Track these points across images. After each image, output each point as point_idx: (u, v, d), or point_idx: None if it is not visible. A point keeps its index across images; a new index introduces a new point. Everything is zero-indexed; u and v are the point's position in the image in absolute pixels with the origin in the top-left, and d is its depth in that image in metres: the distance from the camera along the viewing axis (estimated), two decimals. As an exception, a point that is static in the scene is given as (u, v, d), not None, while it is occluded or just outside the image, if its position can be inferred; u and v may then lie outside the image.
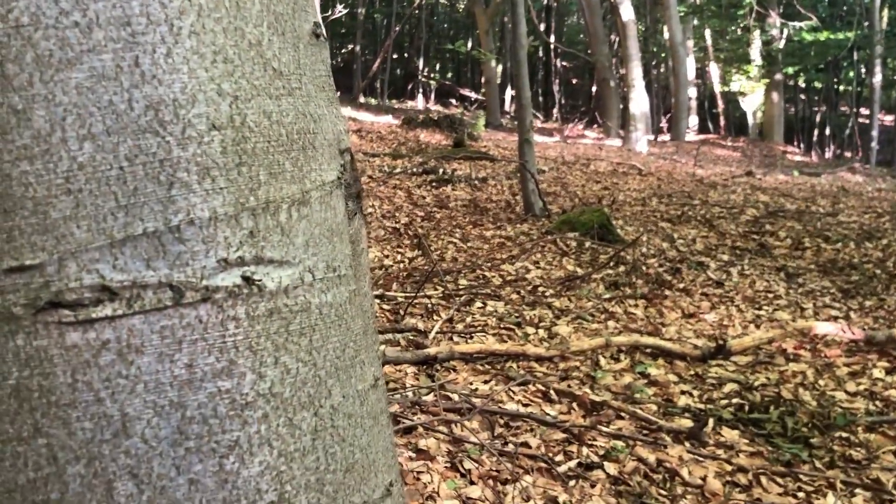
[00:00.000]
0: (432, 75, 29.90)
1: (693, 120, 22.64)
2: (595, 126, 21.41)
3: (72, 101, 0.51)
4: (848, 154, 25.81)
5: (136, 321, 0.52)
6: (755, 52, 20.06)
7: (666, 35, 19.37)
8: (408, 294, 4.03)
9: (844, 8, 25.07)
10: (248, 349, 0.55)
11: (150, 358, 0.53)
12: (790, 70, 20.27)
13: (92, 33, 0.51)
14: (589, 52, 20.07)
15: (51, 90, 0.51)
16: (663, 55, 23.07)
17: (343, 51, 29.83)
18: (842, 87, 27.83)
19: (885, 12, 20.73)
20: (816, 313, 4.38)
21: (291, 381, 0.57)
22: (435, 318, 3.81)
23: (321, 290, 0.59)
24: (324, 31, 0.73)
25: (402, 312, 3.78)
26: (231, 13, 0.55)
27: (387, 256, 4.97)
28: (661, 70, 25.47)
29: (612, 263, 4.96)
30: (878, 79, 19.39)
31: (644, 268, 4.95)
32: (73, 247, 0.51)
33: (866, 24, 19.87)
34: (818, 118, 28.20)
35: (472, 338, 3.59)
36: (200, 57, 0.54)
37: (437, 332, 3.54)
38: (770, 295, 4.66)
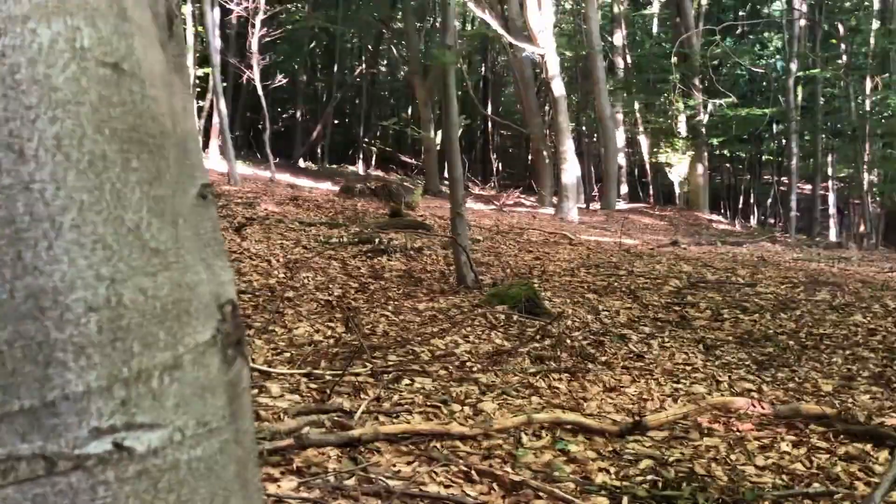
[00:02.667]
0: (373, 142, 30.25)
1: (624, 188, 23.42)
2: (530, 194, 21.92)
3: (-46, 294, 0.57)
4: (772, 221, 26.97)
5: (10, 490, 0.58)
6: (681, 124, 21.01)
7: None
8: (335, 372, 4.05)
9: (764, 84, 26.56)
10: (116, 510, 0.61)
11: (21, 524, 0.58)
12: (715, 141, 21.29)
13: (-22, 232, 0.57)
14: (523, 123, 20.68)
15: (-65, 286, 0.57)
16: (595, 126, 23.91)
17: (284, 116, 29.96)
18: (764, 157, 29.28)
19: (800, 89, 22.04)
20: (731, 386, 4.55)
21: (159, 536, 0.63)
22: (362, 396, 3.84)
23: (190, 446, 0.66)
24: (213, 191, 0.81)
25: (328, 391, 3.79)
26: (111, 204, 0.63)
27: (317, 331, 4.99)
28: (594, 139, 26.37)
29: (538, 337, 5.09)
30: (794, 150, 20.48)
31: (569, 341, 5.09)
32: (-47, 425, 0.57)
33: (783, 99, 21.08)
34: (743, 187, 29.51)
35: (398, 417, 3.62)
36: (80, 247, 0.61)
37: (363, 412, 3.56)
38: (688, 368, 4.83)
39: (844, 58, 20.68)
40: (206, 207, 0.78)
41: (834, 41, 21.00)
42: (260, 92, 14.76)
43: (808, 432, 3.80)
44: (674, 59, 18.13)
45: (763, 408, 3.95)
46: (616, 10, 23.89)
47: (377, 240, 8.67)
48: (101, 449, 0.61)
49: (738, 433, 3.75)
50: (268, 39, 16.21)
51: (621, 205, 20.43)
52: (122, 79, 0.64)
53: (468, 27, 26.18)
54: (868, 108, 20.01)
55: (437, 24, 23.58)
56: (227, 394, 0.73)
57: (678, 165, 21.08)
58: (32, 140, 0.59)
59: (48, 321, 0.59)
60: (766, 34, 28.32)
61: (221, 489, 0.69)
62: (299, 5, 24.72)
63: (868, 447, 3.57)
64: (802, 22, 20.96)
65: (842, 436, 3.76)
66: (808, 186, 24.48)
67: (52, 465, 0.59)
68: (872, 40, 19.45)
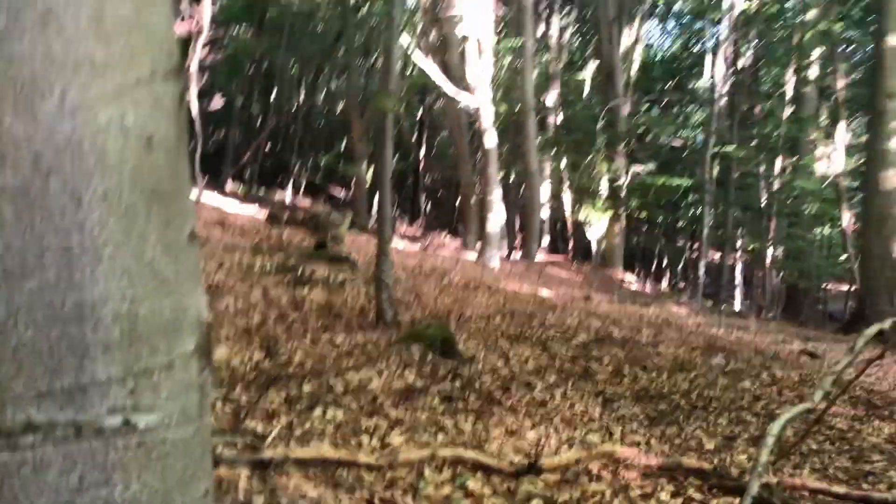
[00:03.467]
0: (304, 170, 30.22)
1: (546, 241, 24.11)
2: (456, 237, 22.34)
3: (24, 300, 0.78)
4: (682, 285, 28.15)
5: (49, 448, 0.79)
6: (603, 186, 21.92)
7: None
8: (251, 397, 4.18)
9: (684, 154, 27.94)
10: (121, 468, 0.82)
11: (54, 472, 0.79)
12: (633, 205, 22.27)
13: (43, 257, 0.79)
14: (455, 168, 21.12)
15: (11, 294, 0.78)
16: (523, 178, 24.62)
17: (216, 137, 29.66)
18: (680, 224, 30.67)
19: (716, 164, 23.35)
20: (623, 438, 4.87)
21: (148, 490, 0.85)
22: (275, 422, 3.98)
23: (175, 428, 0.88)
24: (196, 233, 1.03)
25: (243, 415, 3.92)
26: (136, 243, 0.85)
27: (235, 356, 5.09)
28: (521, 191, 27.11)
29: (449, 378, 5.32)
30: (706, 220, 21.60)
31: (478, 384, 5.34)
32: (13, 397, 0.78)
33: (700, 171, 22.27)
34: (657, 250, 30.74)
35: (308, 444, 3.78)
36: (113, 273, 0.83)
37: (275, 437, 3.71)
38: (586, 418, 5.14)
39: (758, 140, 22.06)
40: (194, 246, 1.00)
41: (750, 122, 22.41)
42: (195, 113, 14.71)
43: (687, 484, 4.12)
44: (601, 124, 19.02)
45: (648, 459, 4.28)
46: (552, 69, 24.87)
47: (301, 270, 8.78)
48: (115, 423, 0.82)
49: (623, 481, 4.05)
50: (209, 62, 16.22)
51: (541, 256, 21.05)
52: (151, 149, 0.87)
53: (410, 70, 26.72)
54: (776, 188, 21.37)
55: (379, 63, 24.00)
56: (199, 393, 0.94)
57: (597, 224, 21.93)
58: (87, 192, 0.81)
59: (87, 326, 0.81)
60: (689, 108, 29.95)
61: (192, 464, 0.91)
62: (245, 27, 24.78)
63: (737, 501, 3.91)
64: (723, 101, 22.30)
65: (716, 489, 4.10)
66: (719, 255, 25.72)
67: (79, 431, 0.80)
68: (783, 127, 20.88)
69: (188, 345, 0.91)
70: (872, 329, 3.36)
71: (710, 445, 5.04)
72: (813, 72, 21.75)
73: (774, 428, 3.11)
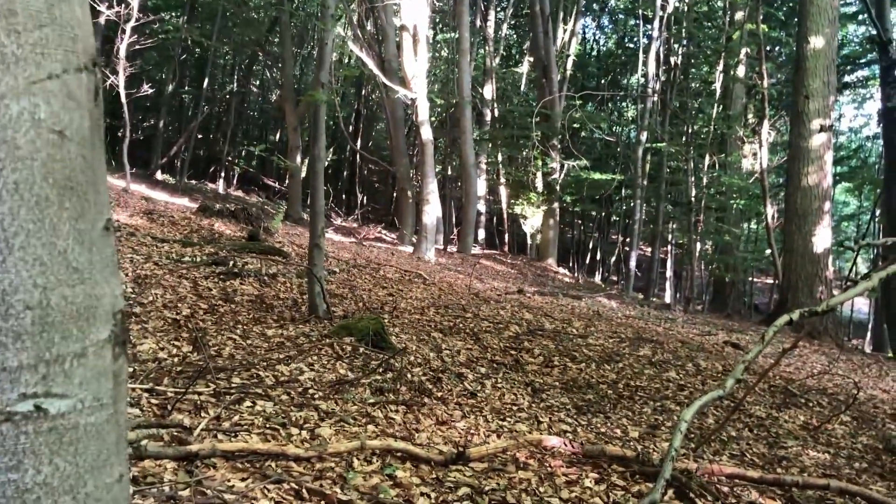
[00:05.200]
0: (237, 161, 29.74)
1: (482, 234, 24.33)
2: (392, 230, 22.33)
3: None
4: (614, 278, 28.81)
5: (-41, 433, 0.80)
6: (538, 180, 22.23)
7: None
8: (178, 389, 4.14)
9: (618, 150, 28.57)
10: (32, 453, 0.84)
11: (-36, 457, 0.80)
12: (568, 199, 22.65)
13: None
14: (391, 161, 21.12)
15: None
16: (459, 172, 24.78)
17: (145, 125, 28.94)
18: (613, 218, 31.37)
19: (648, 159, 23.94)
20: (551, 427, 5.00)
21: (59, 475, 0.86)
22: (203, 414, 3.95)
23: (87, 413, 0.90)
24: (113, 224, 1.05)
25: (169, 408, 3.88)
26: (48, 233, 0.86)
27: (162, 349, 5.02)
28: (458, 185, 27.28)
29: (380, 370, 5.36)
30: (637, 216, 22.14)
31: (409, 375, 5.40)
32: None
33: (633, 166, 22.81)
34: (591, 244, 31.39)
35: (236, 436, 3.77)
36: (24, 262, 0.84)
37: (202, 429, 3.69)
38: (515, 408, 5.26)
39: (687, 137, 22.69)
40: (109, 236, 1.02)
41: (680, 119, 23.03)
42: (123, 99, 14.34)
43: (611, 471, 4.27)
44: (536, 118, 19.28)
45: (574, 447, 4.41)
46: (488, 63, 25.07)
47: (231, 262, 8.68)
48: (26, 409, 0.84)
49: (549, 469, 4.17)
50: (137, 47, 15.81)
51: (477, 250, 21.24)
52: (63, 142, 0.88)
53: (346, 59, 26.53)
54: (705, 184, 22.03)
55: (315, 53, 23.77)
56: (113, 380, 0.96)
57: (532, 218, 22.25)
58: (-1, 184, 0.82)
59: (-3, 314, 0.82)
60: (623, 105, 30.60)
61: (105, 449, 0.93)
62: (175, 14, 24.20)
63: (656, 485, 4.08)
64: (655, 98, 22.86)
65: (638, 476, 4.26)
66: (650, 249, 26.37)
67: (-11, 416, 0.81)
68: (712, 124, 21.54)
69: (102, 332, 0.93)
70: (781, 320, 3.54)
71: (634, 434, 5.22)
72: (740, 71, 22.49)
73: (687, 414, 3.26)
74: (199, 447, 3.37)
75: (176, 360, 4.84)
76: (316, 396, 4.67)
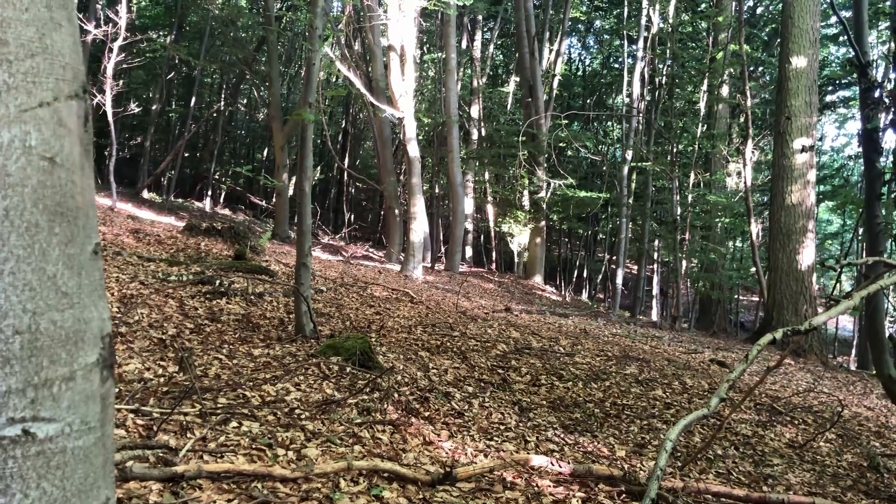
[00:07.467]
0: (224, 179, 29.70)
1: (469, 252, 24.37)
2: (379, 248, 22.33)
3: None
4: (601, 296, 28.90)
5: (-54, 457, 0.80)
6: (525, 198, 22.33)
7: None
8: (164, 410, 4.12)
9: (604, 169, 28.76)
10: (20, 477, 0.84)
11: (-49, 481, 0.80)
12: (554, 217, 22.74)
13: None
14: (378, 179, 21.17)
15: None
16: (446, 190, 24.83)
17: (132, 143, 28.88)
18: (599, 236, 31.51)
19: (634, 178, 24.10)
20: (538, 446, 5.01)
21: (47, 499, 0.87)
22: (188, 435, 3.93)
23: (75, 437, 0.90)
24: (100, 248, 1.06)
25: (155, 428, 3.86)
26: (38, 259, 0.87)
27: (148, 369, 4.99)
28: (445, 203, 27.34)
29: (367, 389, 5.35)
30: (623, 234, 22.25)
31: (396, 395, 5.39)
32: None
33: (618, 185, 22.95)
34: (577, 262, 31.49)
35: (222, 457, 3.75)
36: (14, 287, 0.85)
37: (188, 450, 3.67)
38: (502, 427, 5.26)
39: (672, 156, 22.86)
40: (97, 261, 1.03)
41: (665, 138, 23.22)
42: (110, 118, 14.32)
43: (598, 490, 4.27)
44: (523, 138, 19.40)
45: (561, 466, 4.41)
46: (475, 83, 25.24)
47: (218, 282, 8.66)
48: (14, 433, 0.84)
49: (536, 488, 4.17)
50: (124, 66, 15.82)
51: (464, 268, 21.26)
52: (54, 168, 0.90)
53: (333, 79, 26.64)
54: (690, 202, 22.19)
55: (302, 72, 23.83)
56: (101, 403, 0.97)
57: (519, 236, 22.33)
58: (-13, 210, 0.83)
59: (-15, 339, 0.83)
60: (608, 124, 30.85)
61: (92, 472, 0.93)
62: (162, 33, 24.24)
63: (643, 504, 4.08)
64: (640, 117, 23.06)
65: (624, 495, 4.26)
66: (637, 267, 26.48)
67: (-23, 441, 0.82)
68: (697, 143, 21.73)
69: (90, 356, 0.94)
70: (765, 339, 3.58)
71: (621, 452, 5.23)
72: (724, 91, 22.73)
73: (672, 433, 3.28)
74: (185, 468, 3.36)
75: (162, 380, 4.82)
76: (302, 416, 4.65)
